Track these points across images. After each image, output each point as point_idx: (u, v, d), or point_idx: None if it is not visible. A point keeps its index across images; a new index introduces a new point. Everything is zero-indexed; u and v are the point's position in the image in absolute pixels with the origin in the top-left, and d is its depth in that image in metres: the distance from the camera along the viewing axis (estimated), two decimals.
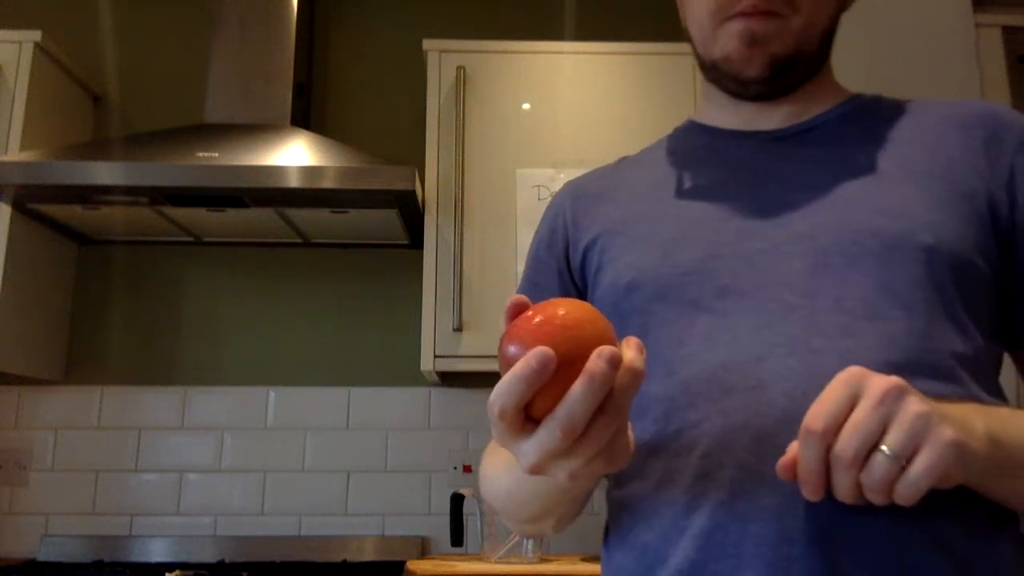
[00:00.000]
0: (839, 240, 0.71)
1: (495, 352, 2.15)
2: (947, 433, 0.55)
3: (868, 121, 0.81)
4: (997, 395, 0.72)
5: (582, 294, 0.87)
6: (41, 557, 2.13)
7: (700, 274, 0.75)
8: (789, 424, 0.63)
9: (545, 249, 0.91)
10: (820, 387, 0.59)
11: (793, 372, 0.67)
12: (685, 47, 2.35)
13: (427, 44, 2.17)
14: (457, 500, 1.94)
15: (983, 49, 2.03)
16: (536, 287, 0.89)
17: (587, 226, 0.87)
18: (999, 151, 0.75)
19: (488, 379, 2.25)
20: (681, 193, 0.82)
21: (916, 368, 0.66)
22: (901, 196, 0.73)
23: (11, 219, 2.02)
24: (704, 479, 0.68)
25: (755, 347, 0.69)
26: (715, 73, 0.82)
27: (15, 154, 2.00)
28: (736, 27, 0.76)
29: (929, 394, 0.59)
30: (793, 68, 0.79)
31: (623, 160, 0.94)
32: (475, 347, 1.99)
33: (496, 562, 1.83)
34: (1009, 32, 2.09)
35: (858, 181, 0.74)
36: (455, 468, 2.23)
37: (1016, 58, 2.10)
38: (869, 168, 0.75)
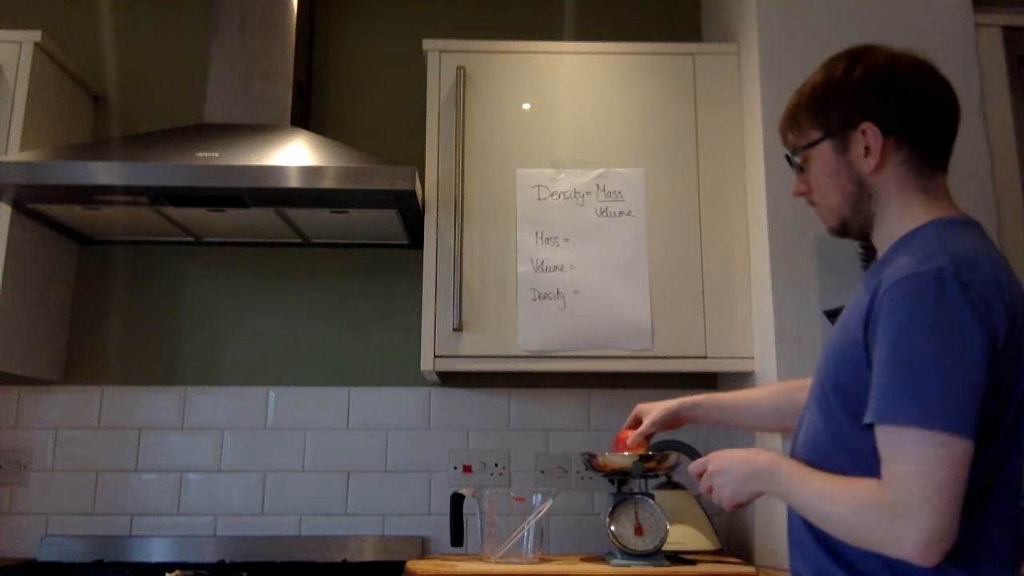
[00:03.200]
0: (816, 381, 1.12)
1: (495, 352, 2.19)
2: (724, 492, 1.16)
3: (869, 277, 1.07)
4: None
5: None
6: (41, 557, 2.13)
7: None
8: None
9: None
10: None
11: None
12: (685, 47, 2.35)
13: (427, 44, 2.17)
14: (457, 500, 1.94)
15: (983, 49, 2.03)
16: None
17: None
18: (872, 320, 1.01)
19: (488, 379, 2.26)
20: None
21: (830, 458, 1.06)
22: (833, 351, 1.08)
23: (11, 219, 2.02)
24: None
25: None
26: None
27: (15, 154, 2.00)
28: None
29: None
30: (848, 230, 1.14)
31: None
32: (475, 347, 1.99)
33: (496, 562, 1.83)
34: (1009, 32, 2.09)
35: (836, 332, 1.10)
36: (455, 468, 2.23)
37: (1016, 58, 2.10)
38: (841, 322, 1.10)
